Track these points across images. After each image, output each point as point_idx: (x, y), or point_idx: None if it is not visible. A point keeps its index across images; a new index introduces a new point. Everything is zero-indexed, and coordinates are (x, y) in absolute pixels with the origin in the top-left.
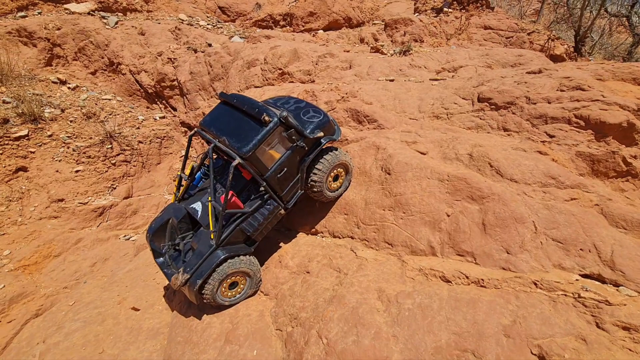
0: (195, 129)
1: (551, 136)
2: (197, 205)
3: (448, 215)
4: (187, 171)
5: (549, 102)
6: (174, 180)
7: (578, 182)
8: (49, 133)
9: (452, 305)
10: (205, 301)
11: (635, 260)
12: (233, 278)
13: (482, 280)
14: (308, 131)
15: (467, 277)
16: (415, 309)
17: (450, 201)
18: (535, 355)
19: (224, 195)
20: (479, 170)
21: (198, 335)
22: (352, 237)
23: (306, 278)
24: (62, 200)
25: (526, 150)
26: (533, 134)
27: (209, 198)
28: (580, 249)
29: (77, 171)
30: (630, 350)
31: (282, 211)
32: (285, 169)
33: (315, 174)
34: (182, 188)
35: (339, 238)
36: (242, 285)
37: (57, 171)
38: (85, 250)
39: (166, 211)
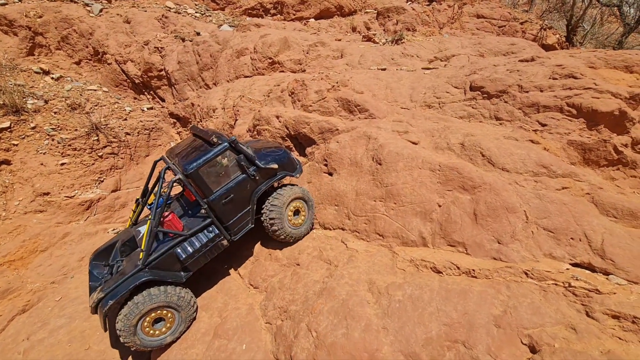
0: (161, 156)
1: (543, 125)
2: (143, 228)
3: (439, 206)
4: (151, 197)
5: (541, 91)
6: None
7: (569, 171)
8: (32, 125)
9: (442, 296)
10: (121, 339)
11: (625, 249)
12: (157, 312)
13: (473, 270)
14: (262, 162)
15: (458, 268)
16: (406, 300)
17: (441, 191)
18: (525, 345)
19: (164, 214)
20: (471, 159)
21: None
22: (342, 229)
23: (296, 270)
24: (47, 194)
25: (518, 139)
26: (525, 122)
27: (149, 217)
28: (571, 238)
29: (62, 164)
30: (619, 338)
31: (225, 242)
32: (233, 195)
33: (271, 210)
34: (136, 212)
35: (330, 230)
36: (169, 323)
37: (41, 164)
38: (73, 245)
39: (118, 235)
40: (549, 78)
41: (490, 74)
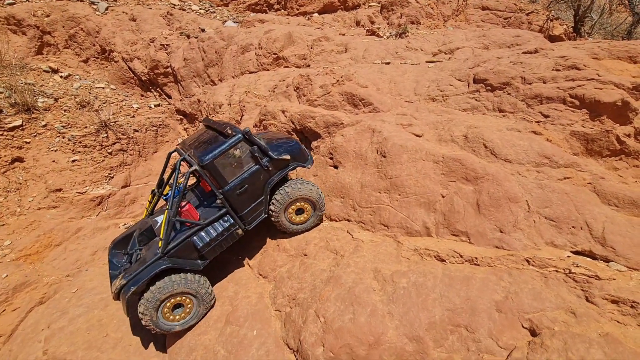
0: (176, 147)
1: (546, 116)
2: (160, 218)
3: (443, 196)
4: (167, 188)
5: (544, 82)
6: (172, 169)
7: (572, 161)
8: (43, 123)
9: (446, 283)
10: (143, 323)
11: (625, 237)
12: (176, 299)
13: (476, 258)
14: (275, 153)
15: (461, 256)
16: (410, 287)
17: (445, 182)
18: (526, 328)
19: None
20: (474, 151)
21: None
22: (348, 220)
23: (304, 260)
24: (60, 190)
25: (521, 130)
26: (528, 114)
27: (167, 207)
28: (572, 227)
29: (73, 161)
30: (618, 322)
31: (240, 231)
32: (247, 186)
33: (272, 203)
34: (152, 203)
35: (336, 221)
36: (187, 309)
37: (53, 161)
38: (86, 239)
39: (135, 225)
40: (552, 69)
41: (493, 66)
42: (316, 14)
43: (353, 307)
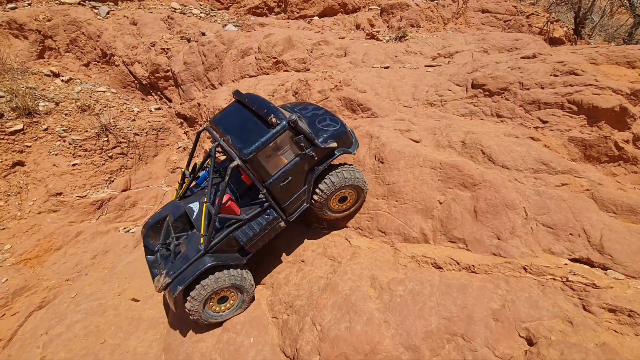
0: (205, 126)
1: (544, 122)
2: (195, 205)
3: (440, 203)
4: (191, 168)
5: (542, 88)
6: (172, 172)
7: (569, 167)
8: (44, 127)
9: (442, 290)
10: (190, 317)
11: (623, 244)
12: (222, 292)
13: (473, 266)
14: (320, 140)
15: (458, 263)
16: (407, 295)
17: (442, 189)
18: (522, 337)
19: (219, 198)
20: (472, 157)
21: (196, 324)
22: (346, 226)
23: (301, 267)
24: (60, 194)
25: (518, 136)
26: (526, 119)
27: (205, 199)
28: (570, 234)
29: (74, 165)
30: (615, 331)
31: (282, 223)
32: (290, 177)
33: (316, 193)
34: (184, 185)
35: (333, 227)
36: (232, 301)
37: (54, 165)
38: (86, 243)
39: (165, 208)
40: (550, 75)
41: (491, 71)
42: (316, 18)
43: (349, 315)
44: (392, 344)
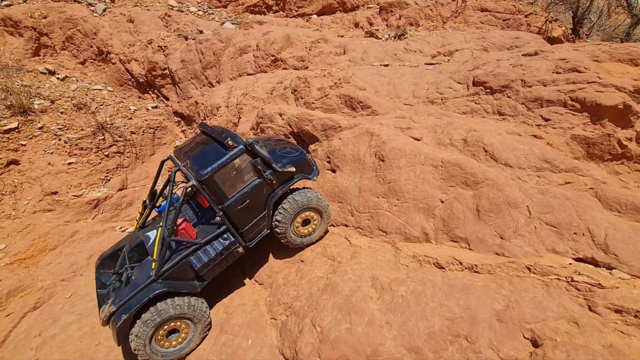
0: (169, 155)
1: (546, 120)
2: (152, 233)
3: (442, 202)
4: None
5: (545, 85)
6: (169, 172)
7: (573, 165)
8: (39, 125)
9: (445, 291)
10: (135, 351)
11: (628, 243)
12: (170, 324)
13: (476, 265)
14: (279, 165)
15: (460, 263)
16: (409, 295)
17: (444, 187)
18: (527, 339)
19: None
20: (473, 155)
21: None
22: (346, 225)
23: (300, 267)
24: (55, 193)
25: (521, 134)
26: (528, 117)
27: (161, 223)
28: (574, 233)
29: (69, 163)
30: (622, 332)
31: (240, 249)
32: (249, 201)
33: (280, 213)
34: (144, 215)
35: (333, 226)
36: (184, 333)
37: (49, 164)
38: (82, 243)
39: (123, 239)
40: (553, 72)
41: (493, 68)
42: (315, 16)
43: (350, 316)
44: (394, 346)
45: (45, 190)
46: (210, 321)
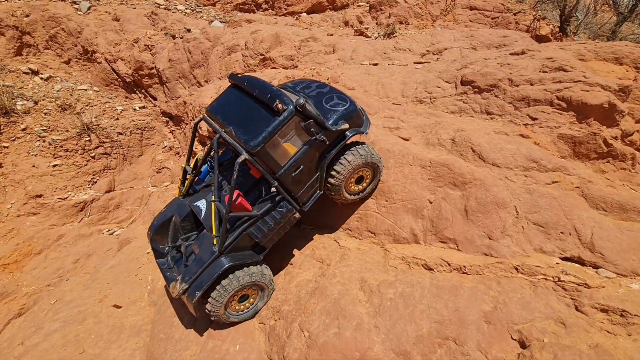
0: (202, 116)
1: (533, 119)
2: (202, 204)
3: (430, 202)
4: (192, 163)
5: (532, 84)
6: (158, 172)
7: (559, 164)
8: (22, 126)
9: (433, 293)
10: (211, 318)
11: (614, 242)
12: (243, 291)
13: (464, 267)
14: (330, 122)
15: (449, 265)
16: (397, 298)
17: (432, 188)
18: (515, 340)
19: (228, 195)
20: (462, 155)
21: (180, 331)
22: (335, 227)
23: (289, 270)
24: (40, 196)
25: (508, 133)
26: (516, 116)
27: (213, 197)
28: (561, 232)
29: (54, 165)
30: (608, 332)
31: (297, 215)
32: (302, 166)
33: (333, 176)
34: (186, 182)
35: (322, 228)
36: (252, 299)
37: (33, 166)
38: (68, 247)
39: (169, 207)
40: (539, 71)
41: (481, 67)
42: (304, 14)
43: (338, 320)
44: (383, 350)
45: (30, 193)
46: (273, 287)
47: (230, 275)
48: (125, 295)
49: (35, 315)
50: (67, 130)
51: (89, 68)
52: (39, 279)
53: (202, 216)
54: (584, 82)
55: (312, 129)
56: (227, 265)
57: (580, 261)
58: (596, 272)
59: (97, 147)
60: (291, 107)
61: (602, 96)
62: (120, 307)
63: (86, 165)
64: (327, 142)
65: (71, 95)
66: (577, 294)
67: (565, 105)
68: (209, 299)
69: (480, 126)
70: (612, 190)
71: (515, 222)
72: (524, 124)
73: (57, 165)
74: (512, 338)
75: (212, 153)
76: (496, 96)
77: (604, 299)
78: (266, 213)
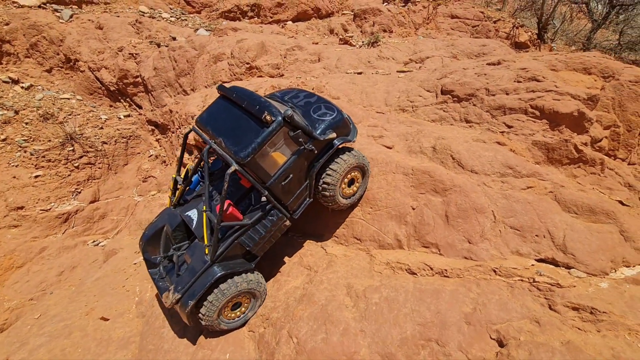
0: (192, 127)
1: (509, 126)
2: (193, 213)
3: (413, 209)
4: (183, 174)
5: (507, 94)
6: (143, 181)
7: (534, 170)
8: (2, 137)
9: (417, 296)
10: (203, 323)
11: (584, 243)
12: (238, 298)
13: (446, 270)
14: (318, 132)
15: (431, 269)
16: (382, 302)
17: (415, 194)
18: (494, 339)
19: (219, 205)
20: (442, 162)
21: (169, 342)
22: (322, 234)
23: (278, 278)
24: (21, 207)
25: (486, 141)
26: (492, 124)
27: (204, 207)
28: (536, 235)
29: (36, 176)
30: (579, 329)
31: (287, 222)
32: (292, 175)
33: (329, 175)
34: (177, 192)
35: (310, 235)
36: (244, 307)
37: (14, 177)
38: (51, 259)
39: (161, 217)
40: (514, 81)
41: (459, 77)
42: (290, 22)
43: (326, 326)
44: (369, 354)
45: (10, 205)
46: (265, 293)
47: (229, 280)
48: (113, 307)
49: (18, 330)
50: (50, 140)
51: (72, 77)
52: (21, 293)
53: (194, 226)
54: (555, 91)
55: (300, 139)
56: (219, 274)
57: (554, 262)
58: (568, 272)
59: (81, 157)
60: (279, 118)
61: (572, 105)
62: (108, 320)
63: (70, 175)
64: (316, 151)
65: (53, 104)
66: (550, 293)
67: (538, 114)
68: (205, 302)
69: (459, 134)
70: (583, 194)
71: (493, 227)
72: (500, 132)
73: (40, 176)
74: (490, 338)
75: (202, 163)
76: (474, 105)
77: (575, 298)
78: (257, 222)
